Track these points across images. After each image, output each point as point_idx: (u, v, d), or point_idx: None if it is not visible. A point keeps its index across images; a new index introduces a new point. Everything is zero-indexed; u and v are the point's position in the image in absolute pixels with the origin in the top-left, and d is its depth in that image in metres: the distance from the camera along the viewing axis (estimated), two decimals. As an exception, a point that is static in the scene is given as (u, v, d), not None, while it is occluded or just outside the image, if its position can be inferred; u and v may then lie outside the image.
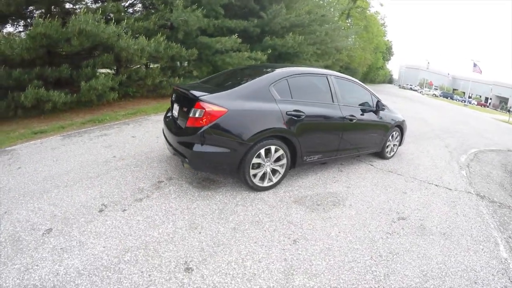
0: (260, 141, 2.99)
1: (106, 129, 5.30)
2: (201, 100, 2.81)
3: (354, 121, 3.90)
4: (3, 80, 4.91)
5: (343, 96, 3.86)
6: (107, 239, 2.33)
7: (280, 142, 3.13)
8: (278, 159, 3.23)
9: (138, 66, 7.87)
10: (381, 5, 40.11)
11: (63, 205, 2.77)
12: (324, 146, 3.67)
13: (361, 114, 4.10)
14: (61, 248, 2.22)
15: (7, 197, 2.88)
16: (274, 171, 3.28)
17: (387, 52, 56.71)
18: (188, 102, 2.96)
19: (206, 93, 2.90)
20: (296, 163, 3.41)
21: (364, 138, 4.33)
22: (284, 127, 3.10)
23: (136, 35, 6.33)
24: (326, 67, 14.62)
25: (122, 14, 6.47)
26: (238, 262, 2.22)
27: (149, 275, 2.02)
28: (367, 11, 31.50)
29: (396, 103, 17.73)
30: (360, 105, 4.20)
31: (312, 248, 2.47)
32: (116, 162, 3.86)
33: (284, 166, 3.28)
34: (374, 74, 49.97)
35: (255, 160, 3.02)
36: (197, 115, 2.82)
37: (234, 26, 8.78)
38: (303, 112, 3.25)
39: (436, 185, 4.27)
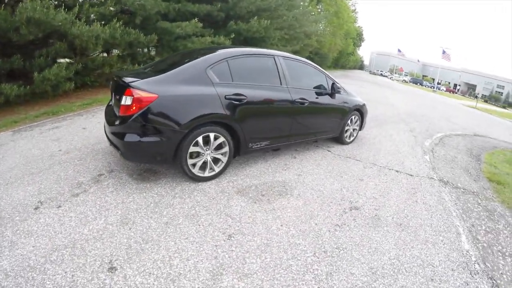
0: (196, 128, 2.85)
1: (58, 122, 5.03)
2: (131, 87, 2.63)
3: (306, 104, 3.77)
4: None
5: (293, 78, 3.70)
6: (38, 238, 2.25)
7: (220, 128, 3.00)
8: (220, 147, 3.10)
9: (97, 54, 7.44)
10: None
11: (0, 203, 2.65)
12: (272, 131, 3.55)
13: (315, 98, 3.97)
14: None
15: None
16: (216, 160, 3.16)
17: (358, 38, 57.64)
18: (121, 90, 2.77)
19: (137, 79, 2.69)
20: (241, 151, 3.30)
21: (320, 123, 4.22)
22: (223, 112, 2.95)
23: (92, 21, 5.88)
24: (295, 52, 14.45)
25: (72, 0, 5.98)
26: (165, 261, 2.12)
27: (72, 275, 1.94)
28: (338, -3, 31.19)
29: (365, 88, 17.74)
30: (314, 88, 4.06)
31: (248, 244, 2.35)
32: (61, 156, 3.68)
33: (227, 155, 3.16)
34: (345, 60, 50.63)
35: (192, 149, 2.89)
36: (127, 103, 2.65)
37: (197, 10, 8.39)
38: (245, 96, 3.09)
39: (396, 171, 4.22)
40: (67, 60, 6.83)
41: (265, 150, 3.97)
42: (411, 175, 4.12)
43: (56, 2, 5.97)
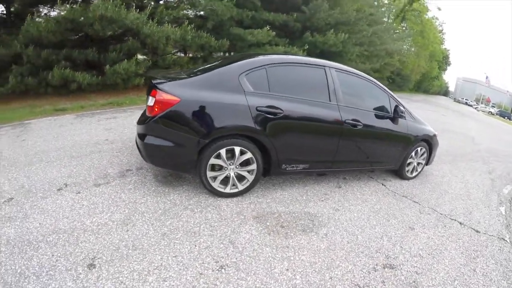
0: (219, 139, 2.63)
1: (119, 113, 5.50)
2: (156, 88, 2.59)
3: (359, 127, 3.22)
4: (33, 59, 5.43)
5: (346, 95, 3.21)
6: (47, 217, 2.40)
7: (247, 143, 2.72)
8: (246, 163, 2.81)
9: (173, 53, 8.06)
10: (439, 9, 35.42)
11: (34, 178, 2.96)
12: (312, 154, 3.10)
13: (372, 121, 3.39)
14: (8, 217, 2.38)
15: (-1, 165, 3.14)
16: (241, 177, 2.87)
17: (444, 62, 51.83)
18: (150, 90, 2.76)
19: (165, 81, 2.66)
20: (271, 171, 2.94)
21: (375, 151, 3.58)
22: (252, 125, 2.66)
23: (164, 23, 6.41)
24: (375, 71, 13.37)
25: (145, 1, 6.61)
26: (142, 274, 1.94)
27: (56, 260, 2.00)
28: (424, 16, 29.12)
29: (446, 116, 15.50)
30: (372, 109, 3.48)
31: (236, 282, 1.97)
32: (104, 145, 3.94)
33: (254, 173, 2.85)
34: (428, 84, 45.77)
35: (214, 161, 2.67)
36: (151, 104, 2.61)
37: (272, 19, 8.44)
38: (281, 110, 2.76)
39: (460, 223, 3.28)
40: (144, 57, 7.53)
41: (308, 174, 3.53)
42: (477, 232, 3.15)
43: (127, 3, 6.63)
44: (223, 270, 2.04)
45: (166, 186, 2.96)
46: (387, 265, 2.38)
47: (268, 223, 2.61)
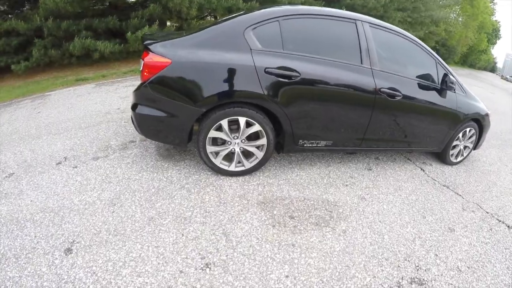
0: (218, 108, 2.19)
1: (139, 80, 5.28)
2: (147, 49, 2.19)
3: (398, 98, 2.52)
4: (54, 31, 5.38)
5: (383, 57, 2.51)
6: (39, 194, 2.28)
7: (255, 113, 2.23)
8: (256, 137, 2.35)
9: (201, 17, 7.58)
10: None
11: (38, 152, 2.87)
12: (337, 129, 2.52)
13: (414, 91, 2.66)
14: (5, 193, 2.29)
15: (9, 138, 3.17)
16: (248, 153, 2.43)
17: (493, 35, 44.71)
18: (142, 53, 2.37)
19: (156, 41, 2.23)
20: (285, 148, 2.45)
21: (415, 129, 2.86)
22: (260, 91, 2.16)
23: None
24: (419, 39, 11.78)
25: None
26: (117, 265, 1.69)
27: (37, 242, 1.87)
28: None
29: (494, 94, 13.09)
30: (416, 77, 2.72)
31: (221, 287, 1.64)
32: (114, 114, 3.77)
33: (264, 149, 2.38)
34: (475, 58, 40.42)
35: (214, 134, 2.26)
36: (141, 68, 2.24)
37: (310, -21, 7.40)
38: (298, 72, 2.19)
39: (508, 227, 2.53)
40: (171, 23, 7.18)
41: (323, 151, 2.97)
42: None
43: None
44: (207, 269, 1.70)
45: (167, 161, 2.65)
46: (416, 280, 1.83)
47: (275, 212, 2.18)
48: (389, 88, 2.48)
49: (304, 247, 1.90)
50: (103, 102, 4.18)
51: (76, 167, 2.59)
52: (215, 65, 2.11)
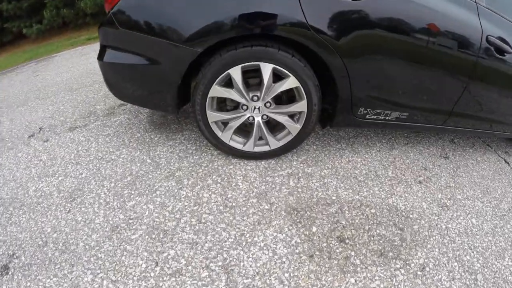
0: (226, 48, 1.19)
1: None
2: None
3: (509, 56, 1.34)
4: None
5: None
6: None
7: (290, 57, 1.19)
8: (289, 99, 1.35)
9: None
10: None
11: (17, 122, 2.25)
12: (419, 96, 1.40)
13: None
14: None
15: (-3, 106, 2.59)
16: (275, 125, 1.43)
17: None
18: None
19: None
20: (336, 118, 1.40)
21: None
22: (303, 19, 1.11)
23: None
24: None
25: None
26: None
27: None
28: None
29: None
30: None
31: None
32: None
33: (302, 118, 1.35)
34: None
35: (218, 91, 1.27)
36: None
37: None
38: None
39: None
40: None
41: (398, 128, 1.87)
42: None
43: None
44: None
45: (158, 132, 1.75)
46: None
47: (314, 228, 1.19)
48: (499, 39, 1.31)
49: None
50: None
51: (47, 140, 1.86)
52: None
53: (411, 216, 1.35)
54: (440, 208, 1.44)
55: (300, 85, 1.24)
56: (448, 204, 1.47)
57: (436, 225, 1.32)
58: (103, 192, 1.39)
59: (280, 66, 1.20)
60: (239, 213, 1.25)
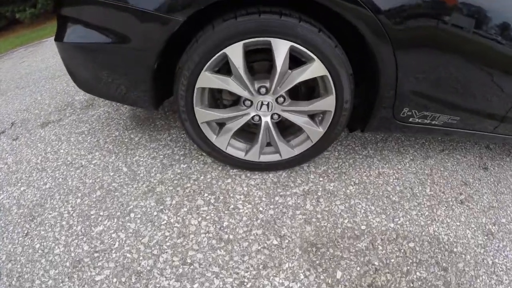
0: (224, 17, 0.81)
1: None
2: None
3: None
4: None
5: None
6: None
7: (316, 32, 0.80)
8: (308, 92, 0.97)
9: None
10: None
11: None
12: (475, 97, 0.99)
13: None
14: None
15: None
16: (288, 127, 1.05)
17: None
18: None
19: None
20: (371, 121, 1.00)
21: None
22: None
23: None
24: None
25: None
26: None
27: None
28: None
29: None
30: None
31: None
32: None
33: (327, 119, 0.95)
34: None
35: (207, 80, 0.88)
36: None
37: None
38: None
39: None
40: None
41: (443, 134, 1.43)
42: None
43: None
44: None
45: (141, 130, 1.39)
46: None
47: (338, 275, 0.82)
48: None
49: None
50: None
51: (16, 138, 1.55)
52: None
53: (455, 250, 0.99)
54: (486, 237, 1.07)
55: (328, 74, 0.85)
56: (493, 230, 1.11)
57: (483, 261, 0.96)
58: (67, 211, 1.05)
59: (301, 45, 0.81)
60: (238, 250, 0.88)
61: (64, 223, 1.01)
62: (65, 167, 1.24)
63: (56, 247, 0.94)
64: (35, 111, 1.77)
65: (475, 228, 1.09)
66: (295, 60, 0.87)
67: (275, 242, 0.92)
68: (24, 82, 2.28)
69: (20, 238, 0.99)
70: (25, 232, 1.00)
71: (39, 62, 2.71)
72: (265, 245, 0.91)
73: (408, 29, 0.79)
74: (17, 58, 3.14)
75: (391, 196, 1.13)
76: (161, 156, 1.20)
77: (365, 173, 1.20)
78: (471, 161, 1.46)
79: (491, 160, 1.50)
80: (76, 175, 1.19)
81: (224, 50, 0.82)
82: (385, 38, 0.79)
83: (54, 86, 2.05)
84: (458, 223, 1.10)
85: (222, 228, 0.94)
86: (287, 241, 0.92)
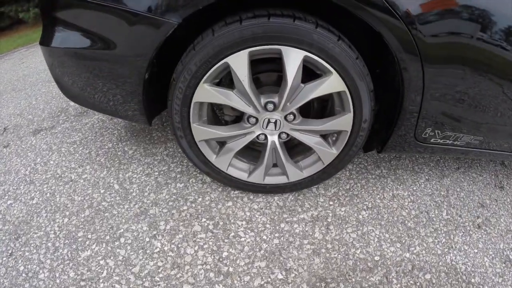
0: (226, 20, 0.68)
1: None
2: None
3: None
4: None
5: None
6: None
7: (336, 41, 0.67)
8: (321, 106, 0.85)
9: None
10: None
11: None
12: (499, 116, 0.84)
13: None
14: None
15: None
16: (298, 147, 0.92)
17: None
18: None
19: None
20: (390, 141, 0.86)
21: None
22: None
23: None
24: None
25: None
26: None
27: None
28: None
29: None
30: None
31: None
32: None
33: (342, 140, 0.83)
34: None
35: (206, 93, 0.75)
36: None
37: None
38: None
39: None
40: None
41: (463, 154, 1.28)
42: None
43: None
44: None
45: (135, 142, 1.26)
46: None
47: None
48: None
49: None
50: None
51: (7, 146, 1.43)
52: None
53: (472, 280, 0.86)
54: (504, 265, 0.95)
55: (346, 89, 0.72)
56: (511, 257, 0.98)
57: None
58: (53, 231, 0.93)
59: (317, 55, 0.68)
60: (239, 286, 0.76)
61: (50, 244, 0.89)
62: (54, 180, 1.12)
63: (41, 271, 0.82)
64: (28, 117, 1.65)
65: (493, 255, 0.97)
66: (308, 72, 0.75)
67: (280, 276, 0.79)
68: (21, 85, 2.16)
69: (4, 258, 0.88)
70: (10, 251, 0.89)
71: (38, 64, 2.59)
72: (269, 279, 0.79)
73: (441, 46, 0.67)
74: (17, 58, 3.01)
75: (406, 222, 1.00)
76: (156, 173, 1.07)
77: (378, 196, 1.07)
78: (487, 180, 1.32)
79: (507, 178, 1.37)
80: (64, 191, 1.06)
81: (226, 60, 0.69)
82: (415, 53, 0.66)
83: (50, 90, 1.93)
84: (476, 250, 0.97)
85: (221, 259, 0.82)
86: (293, 275, 0.80)
